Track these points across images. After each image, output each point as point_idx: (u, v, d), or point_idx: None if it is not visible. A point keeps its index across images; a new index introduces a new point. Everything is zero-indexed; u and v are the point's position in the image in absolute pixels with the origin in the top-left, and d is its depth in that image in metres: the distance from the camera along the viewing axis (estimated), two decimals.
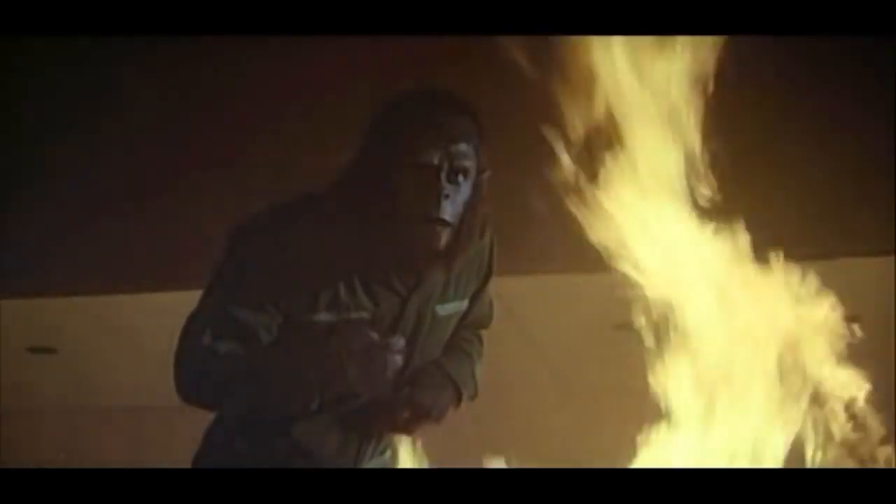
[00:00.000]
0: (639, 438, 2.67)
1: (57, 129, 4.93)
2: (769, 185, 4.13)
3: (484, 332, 2.91)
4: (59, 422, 6.68)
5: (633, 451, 2.67)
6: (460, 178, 2.53)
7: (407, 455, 2.89)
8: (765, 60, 4.17)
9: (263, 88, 4.81)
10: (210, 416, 2.75)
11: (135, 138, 4.84)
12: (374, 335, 2.53)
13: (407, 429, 2.70)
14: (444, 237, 2.53)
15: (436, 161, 2.51)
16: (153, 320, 5.18)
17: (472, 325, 2.84)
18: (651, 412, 2.60)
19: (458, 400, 2.74)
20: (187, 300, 2.62)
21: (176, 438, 3.43)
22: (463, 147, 2.53)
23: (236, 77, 4.82)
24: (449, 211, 2.52)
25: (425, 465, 2.60)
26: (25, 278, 4.90)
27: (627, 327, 2.65)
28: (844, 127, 4.12)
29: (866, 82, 4.08)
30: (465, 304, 2.75)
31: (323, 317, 2.56)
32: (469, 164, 2.54)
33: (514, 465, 2.78)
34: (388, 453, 2.82)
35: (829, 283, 2.56)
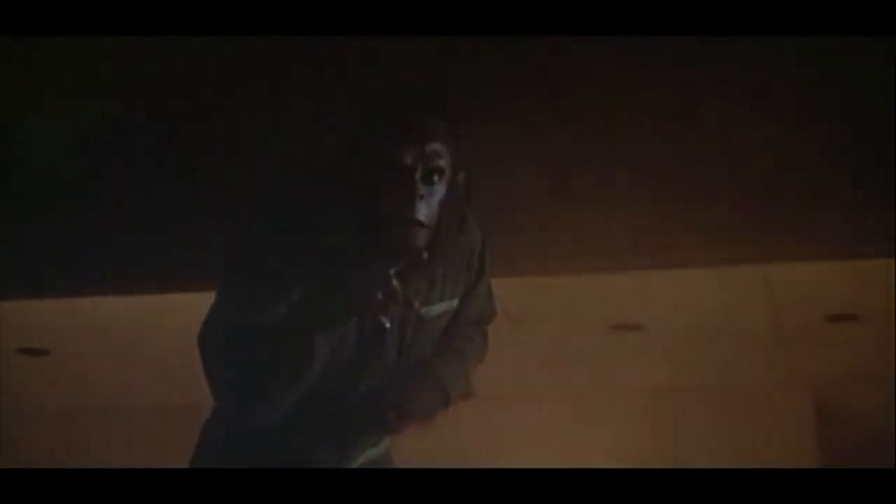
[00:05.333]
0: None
1: (53, 130, 4.91)
2: (769, 185, 4.13)
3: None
4: (54, 423, 6.65)
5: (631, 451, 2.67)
6: (435, 178, 2.52)
7: (403, 453, 2.88)
8: (762, 59, 4.18)
9: (253, 89, 4.80)
10: (206, 414, 2.74)
11: (132, 138, 4.83)
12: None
13: (394, 430, 2.68)
14: (422, 238, 2.51)
15: (410, 161, 2.50)
16: (148, 322, 5.17)
17: (471, 321, 2.81)
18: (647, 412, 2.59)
19: (447, 400, 2.71)
20: (183, 302, 2.62)
21: (173, 438, 3.41)
22: (437, 146, 2.51)
23: (230, 77, 4.81)
24: (424, 212, 2.50)
25: (423, 465, 2.59)
26: (18, 280, 4.88)
27: (625, 327, 2.64)
28: (844, 125, 4.13)
29: (866, 82, 4.09)
30: (454, 303, 2.73)
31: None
32: (443, 163, 2.53)
33: (513, 465, 2.78)
34: (386, 442, 2.81)
35: (828, 283, 2.56)
